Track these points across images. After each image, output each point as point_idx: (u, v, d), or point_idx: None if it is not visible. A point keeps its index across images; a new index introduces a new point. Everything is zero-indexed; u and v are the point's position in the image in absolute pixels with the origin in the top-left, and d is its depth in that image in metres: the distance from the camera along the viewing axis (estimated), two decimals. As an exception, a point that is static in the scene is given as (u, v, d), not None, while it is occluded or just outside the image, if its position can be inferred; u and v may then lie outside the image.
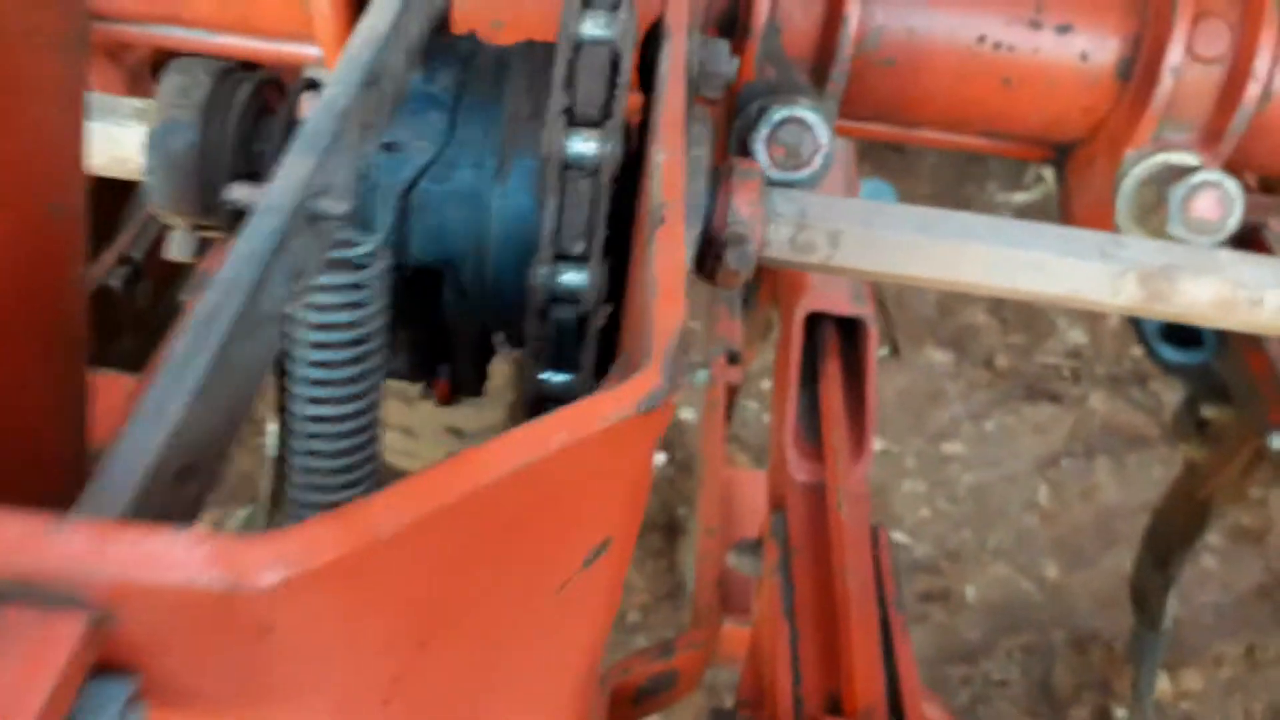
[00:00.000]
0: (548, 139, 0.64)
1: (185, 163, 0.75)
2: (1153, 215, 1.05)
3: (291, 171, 0.44)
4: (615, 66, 0.65)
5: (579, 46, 0.65)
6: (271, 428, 2.47)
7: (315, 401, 0.53)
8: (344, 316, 0.52)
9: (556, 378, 0.69)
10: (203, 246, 0.82)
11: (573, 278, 0.65)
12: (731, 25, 1.10)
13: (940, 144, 1.25)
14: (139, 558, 0.26)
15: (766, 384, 3.26)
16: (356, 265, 0.53)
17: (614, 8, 0.66)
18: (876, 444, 3.19)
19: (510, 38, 1.12)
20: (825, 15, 1.05)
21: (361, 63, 0.51)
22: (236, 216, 0.78)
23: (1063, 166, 1.23)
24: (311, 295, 0.50)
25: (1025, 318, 3.58)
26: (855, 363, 1.49)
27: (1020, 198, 3.90)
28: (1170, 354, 3.16)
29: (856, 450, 1.38)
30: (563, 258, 0.65)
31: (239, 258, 0.40)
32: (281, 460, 2.52)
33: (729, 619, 1.53)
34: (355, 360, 0.53)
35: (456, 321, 0.77)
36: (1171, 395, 3.41)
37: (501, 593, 0.37)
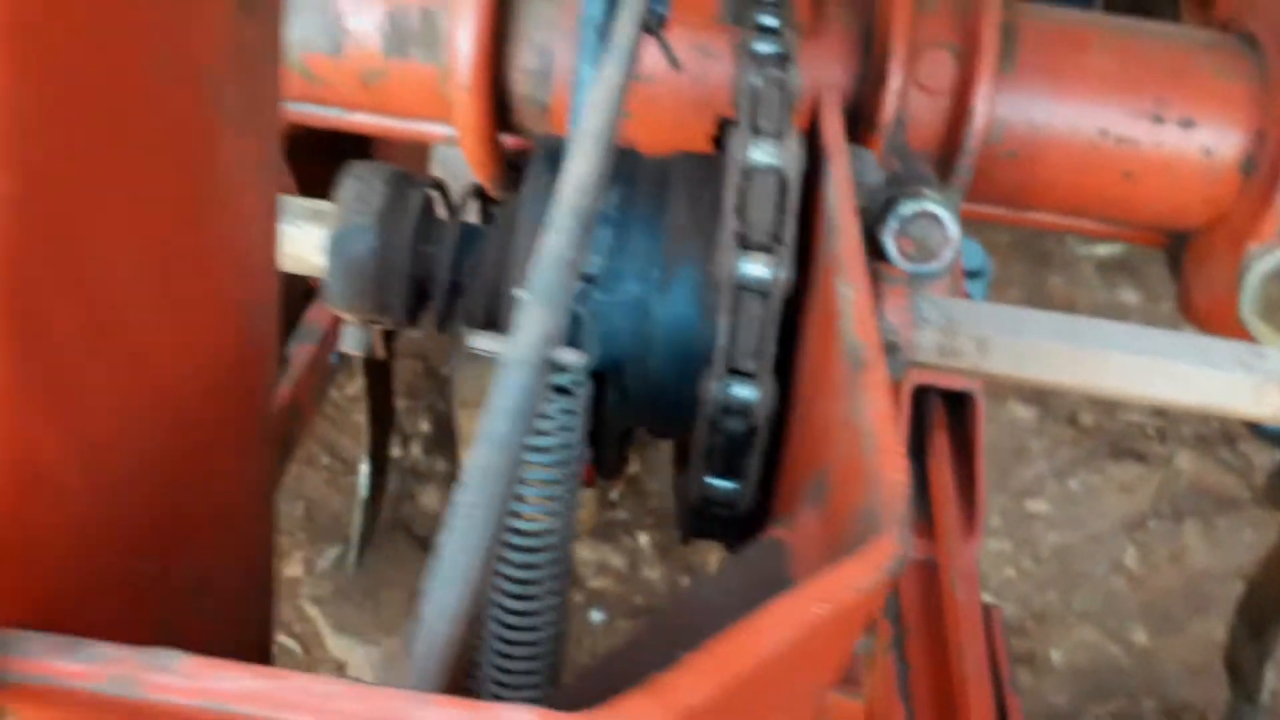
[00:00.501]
0: (721, 262, 0.68)
1: (364, 265, 0.79)
2: (1278, 312, 1.06)
3: (532, 323, 0.48)
4: (784, 192, 0.69)
5: (749, 173, 0.69)
6: (364, 468, 2.53)
7: (521, 532, 0.56)
8: (559, 440, 0.55)
9: (722, 484, 0.71)
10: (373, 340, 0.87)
11: (744, 392, 0.67)
12: (855, 118, 1.13)
13: (1054, 227, 1.27)
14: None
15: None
16: (566, 390, 0.56)
17: (781, 135, 0.70)
18: (958, 501, 3.17)
19: (638, 129, 1.17)
20: (951, 110, 1.08)
21: (578, 210, 0.54)
22: (409, 316, 0.83)
23: (1178, 254, 1.24)
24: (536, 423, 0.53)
25: (1109, 374, 3.53)
26: (963, 437, 1.49)
27: (1102, 251, 3.87)
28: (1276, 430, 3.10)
29: (968, 528, 1.39)
30: (735, 372, 0.68)
31: (502, 414, 0.44)
32: (372, 501, 2.58)
33: (835, 689, 1.54)
34: (566, 475, 0.57)
35: (614, 418, 0.80)
36: (1262, 457, 3.33)
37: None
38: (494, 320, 0.81)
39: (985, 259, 2.59)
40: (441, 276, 0.79)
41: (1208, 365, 0.82)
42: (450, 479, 2.95)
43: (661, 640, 0.44)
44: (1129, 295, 3.74)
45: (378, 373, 2.39)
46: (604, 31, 0.75)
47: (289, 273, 0.86)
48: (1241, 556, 3.13)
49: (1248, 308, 1.09)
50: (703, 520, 0.74)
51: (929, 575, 1.41)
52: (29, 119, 0.43)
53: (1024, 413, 3.44)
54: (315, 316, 2.00)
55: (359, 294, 0.79)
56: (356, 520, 2.62)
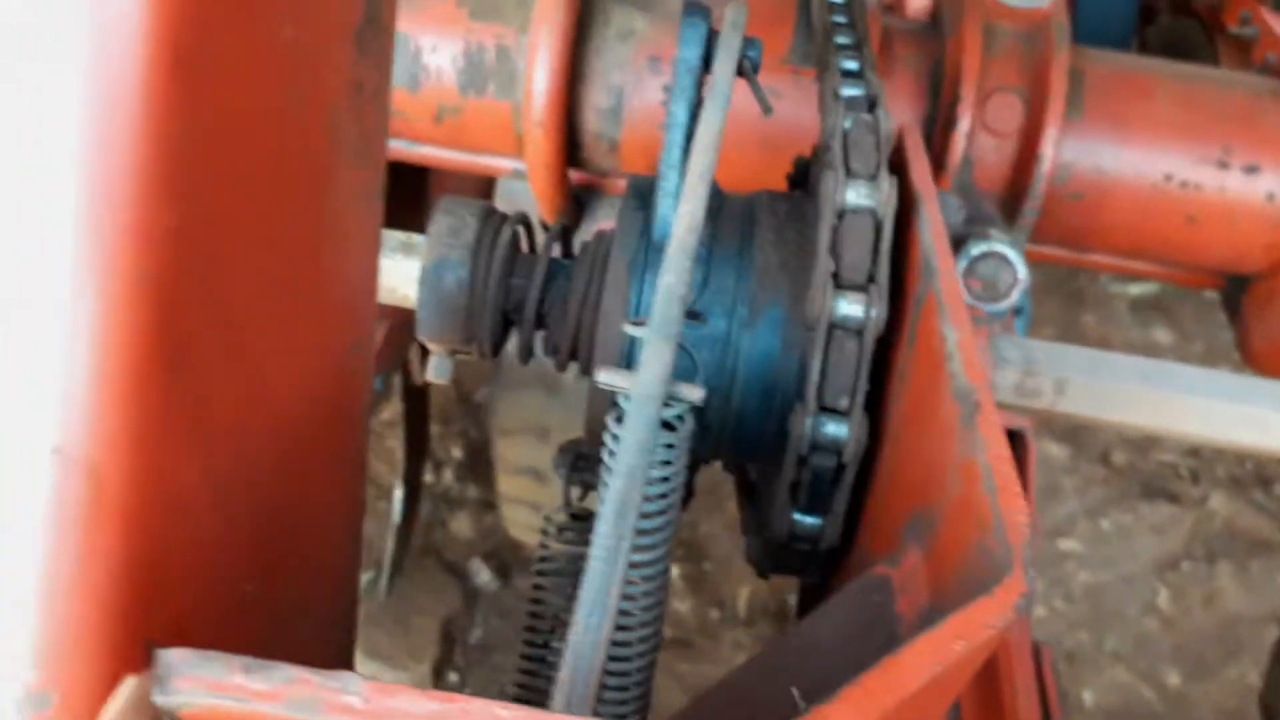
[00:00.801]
0: (815, 300, 0.69)
1: (455, 297, 0.81)
2: (1345, 356, 1.06)
3: (655, 360, 0.49)
4: (878, 233, 0.70)
5: (843, 214, 0.70)
6: (398, 494, 2.55)
7: (635, 549, 0.57)
8: (662, 473, 0.56)
9: (808, 519, 0.72)
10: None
11: (835, 430, 0.68)
12: (923, 158, 1.14)
13: (1112, 269, 1.28)
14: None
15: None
16: (670, 426, 0.58)
17: (874, 177, 0.71)
18: (990, 538, 3.15)
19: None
20: (1018, 153, 1.09)
21: (689, 248, 0.56)
22: (494, 347, 0.84)
23: (1236, 297, 1.25)
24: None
25: (1142, 414, 3.51)
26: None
27: (1135, 290, 3.86)
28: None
29: (1019, 567, 1.38)
30: (826, 410, 0.69)
31: (633, 447, 0.45)
32: (405, 526, 2.58)
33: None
34: (669, 509, 0.58)
35: (696, 451, 0.81)
36: (1297, 499, 3.31)
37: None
38: (576, 353, 0.83)
39: (1024, 298, 2.59)
40: (529, 310, 0.81)
41: (1283, 411, 0.83)
42: (482, 506, 2.96)
43: (775, 672, 0.45)
44: (1161, 334, 3.74)
45: (415, 399, 2.41)
46: (698, 75, 0.76)
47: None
48: (1275, 600, 3.10)
49: (1311, 353, 1.10)
50: (784, 555, 0.75)
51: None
52: (188, 156, 0.45)
53: (1056, 451, 3.43)
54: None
55: (449, 325, 0.81)
56: (389, 546, 2.63)
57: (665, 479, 0.57)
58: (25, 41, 0.44)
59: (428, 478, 2.97)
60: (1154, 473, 3.40)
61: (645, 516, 0.55)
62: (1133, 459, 3.42)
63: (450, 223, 0.82)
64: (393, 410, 2.86)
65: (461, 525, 2.92)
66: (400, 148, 1.29)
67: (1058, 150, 1.09)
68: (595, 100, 1.16)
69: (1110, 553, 3.19)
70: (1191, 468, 3.44)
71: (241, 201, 0.51)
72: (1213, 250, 1.17)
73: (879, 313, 0.68)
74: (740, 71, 0.77)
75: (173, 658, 0.32)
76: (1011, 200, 1.10)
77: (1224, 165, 1.12)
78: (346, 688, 0.32)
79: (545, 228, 1.35)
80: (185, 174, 0.45)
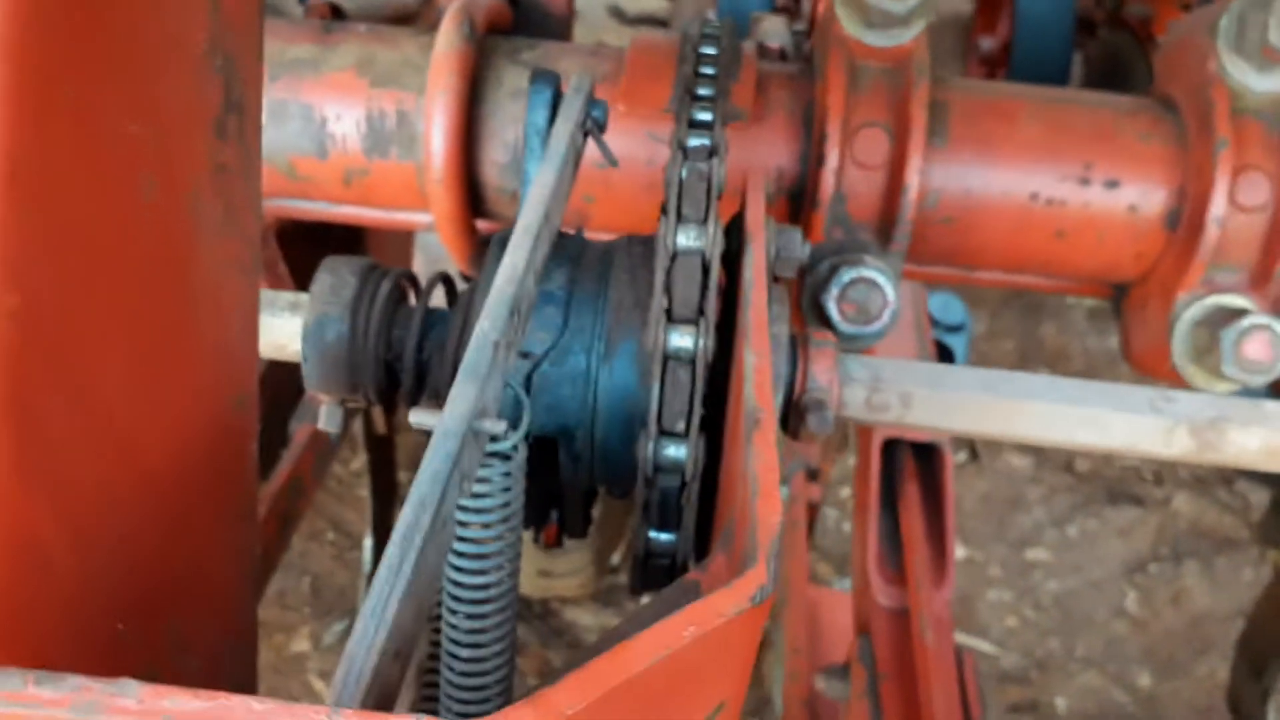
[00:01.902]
0: (651, 335, 0.75)
1: (336, 351, 0.88)
2: (1208, 356, 1.13)
3: (459, 398, 0.56)
4: (706, 272, 0.77)
5: (675, 256, 0.77)
6: (367, 543, 2.59)
7: (470, 572, 0.63)
8: (497, 500, 0.63)
9: (663, 536, 0.78)
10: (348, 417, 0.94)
11: (674, 451, 0.75)
12: (800, 194, 1.21)
13: (1000, 284, 1.34)
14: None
15: (845, 491, 3.31)
16: (505, 456, 0.64)
17: (702, 222, 0.78)
18: (959, 551, 3.21)
19: (601, 210, 1.25)
20: (886, 184, 1.16)
21: (507, 298, 0.62)
22: (381, 396, 0.91)
23: (1119, 305, 1.32)
24: (472, 488, 0.61)
25: (1103, 420, 3.57)
26: (933, 486, 1.56)
27: (1091, 301, 3.94)
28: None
29: (938, 575, 1.45)
30: (666, 434, 0.75)
31: (428, 476, 0.51)
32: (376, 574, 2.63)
33: None
34: (507, 532, 0.64)
35: (570, 480, 0.87)
36: (1259, 495, 3.37)
37: (643, 754, 0.46)
38: (458, 395, 0.89)
39: (965, 314, 2.67)
40: (408, 358, 0.87)
41: (1121, 410, 0.89)
42: (455, 548, 3.01)
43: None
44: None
45: (380, 448, 2.46)
46: (545, 136, 0.83)
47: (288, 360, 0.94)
48: (1243, 596, 3.15)
49: (1179, 353, 1.16)
50: (649, 572, 0.81)
51: (902, 622, 1.47)
52: (28, 244, 0.52)
53: (1020, 462, 3.49)
54: (314, 397, 2.08)
55: (333, 377, 0.87)
56: (362, 595, 2.67)
57: (495, 503, 0.63)
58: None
59: (400, 524, 3.02)
60: (1118, 477, 3.46)
61: (465, 540, 0.61)
62: (1096, 465, 3.48)
63: (331, 281, 0.89)
64: (361, 460, 2.91)
65: (436, 569, 2.97)
66: (319, 209, 1.36)
67: (924, 178, 1.16)
68: (493, 156, 1.23)
69: (1078, 559, 3.25)
70: (1155, 470, 3.50)
71: (91, 282, 0.57)
72: (1086, 262, 1.24)
73: (706, 343, 0.74)
74: (586, 132, 0.84)
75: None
76: (884, 228, 1.17)
77: (1085, 181, 1.19)
78: (124, 691, 0.38)
79: (465, 278, 1.42)
80: (24, 265, 0.51)
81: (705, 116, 0.95)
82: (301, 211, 1.37)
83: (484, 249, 1.34)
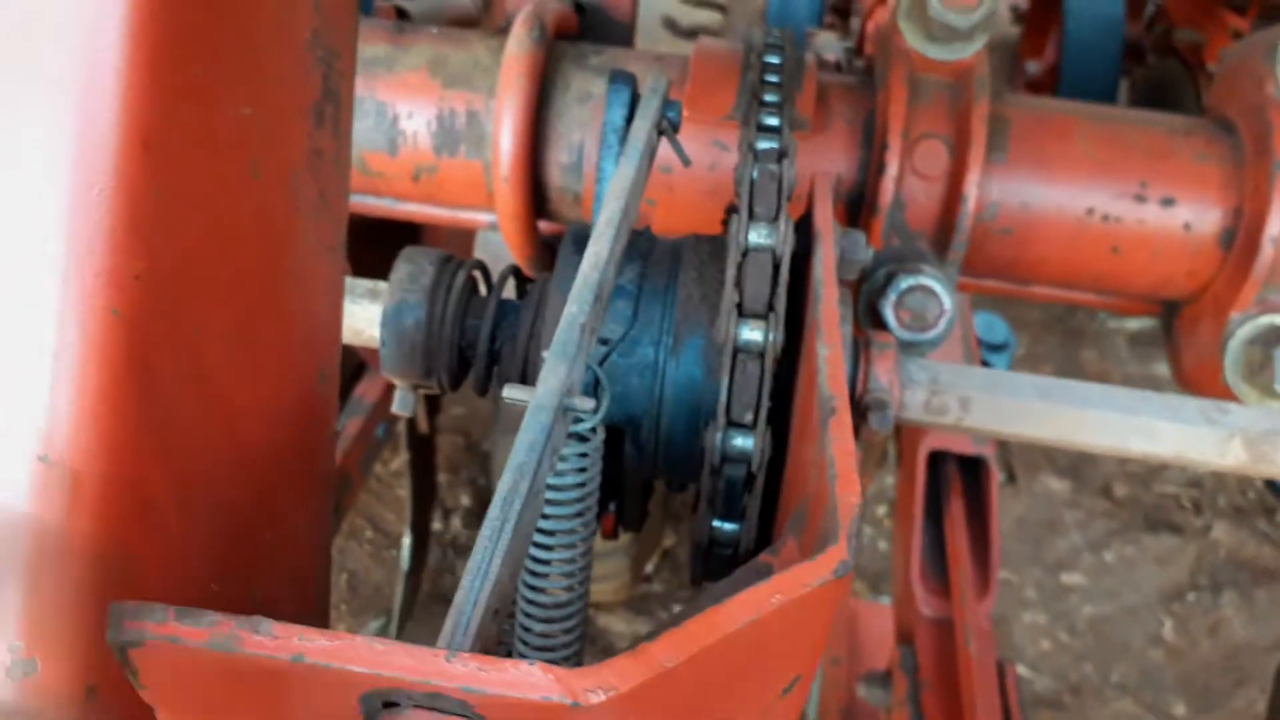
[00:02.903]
0: (722, 328, 0.78)
1: (414, 336, 0.91)
2: (1260, 374, 1.13)
3: (552, 375, 0.58)
4: (776, 268, 0.79)
5: (746, 253, 0.79)
6: (406, 542, 2.62)
7: (546, 548, 0.65)
8: (575, 479, 0.65)
9: (726, 526, 0.80)
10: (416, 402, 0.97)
11: (742, 442, 0.77)
12: (859, 201, 1.24)
13: (1052, 299, 1.36)
14: (511, 681, 0.39)
15: (881, 509, 3.31)
16: (583, 437, 0.66)
17: (773, 220, 0.80)
18: (992, 573, 3.19)
19: (662, 213, 1.28)
20: (946, 194, 1.18)
21: (593, 283, 0.65)
22: (454, 382, 0.94)
23: (1170, 322, 1.32)
24: (558, 464, 0.63)
25: (1143, 447, 3.55)
26: (978, 500, 1.57)
27: (1133, 325, 3.93)
28: (1294, 490, 3.10)
29: (982, 588, 1.46)
30: (734, 425, 0.77)
31: (525, 446, 0.54)
32: (413, 574, 2.65)
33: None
34: (582, 511, 0.67)
35: (633, 470, 0.90)
36: (1300, 527, 3.33)
37: (728, 713, 0.48)
38: (526, 382, 0.92)
39: (1010, 334, 2.67)
40: (481, 346, 0.90)
41: (1175, 420, 0.90)
42: (492, 550, 3.04)
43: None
44: (1162, 368, 3.79)
45: (421, 447, 2.49)
46: (623, 135, 0.86)
47: (342, 348, 0.97)
48: (1281, 627, 3.11)
49: (1231, 371, 1.17)
50: (710, 562, 0.83)
51: (945, 633, 1.48)
52: (155, 212, 0.55)
53: (1057, 485, 3.48)
54: (363, 391, 2.12)
55: (408, 362, 0.90)
56: (398, 593, 2.69)
57: (573, 481, 0.66)
58: (22, 120, 0.54)
59: (436, 525, 3.06)
60: (1156, 504, 3.43)
61: (551, 504, 0.64)
62: (1134, 491, 3.45)
63: (410, 269, 0.92)
64: (400, 460, 2.95)
65: (471, 571, 3.00)
66: (385, 205, 1.39)
67: (982, 190, 1.18)
68: (558, 158, 1.26)
69: (1114, 585, 3.22)
70: (1194, 498, 3.48)
71: (205, 253, 0.61)
72: (1140, 279, 1.25)
73: (776, 337, 0.76)
74: (660, 131, 0.87)
75: (123, 607, 0.41)
76: (941, 238, 1.19)
77: (1142, 199, 1.21)
78: (259, 628, 0.41)
79: (520, 275, 1.45)
80: (152, 231, 0.55)
81: (773, 121, 0.97)
82: (369, 208, 1.41)
83: (545, 250, 1.38)
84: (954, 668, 1.41)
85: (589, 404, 0.58)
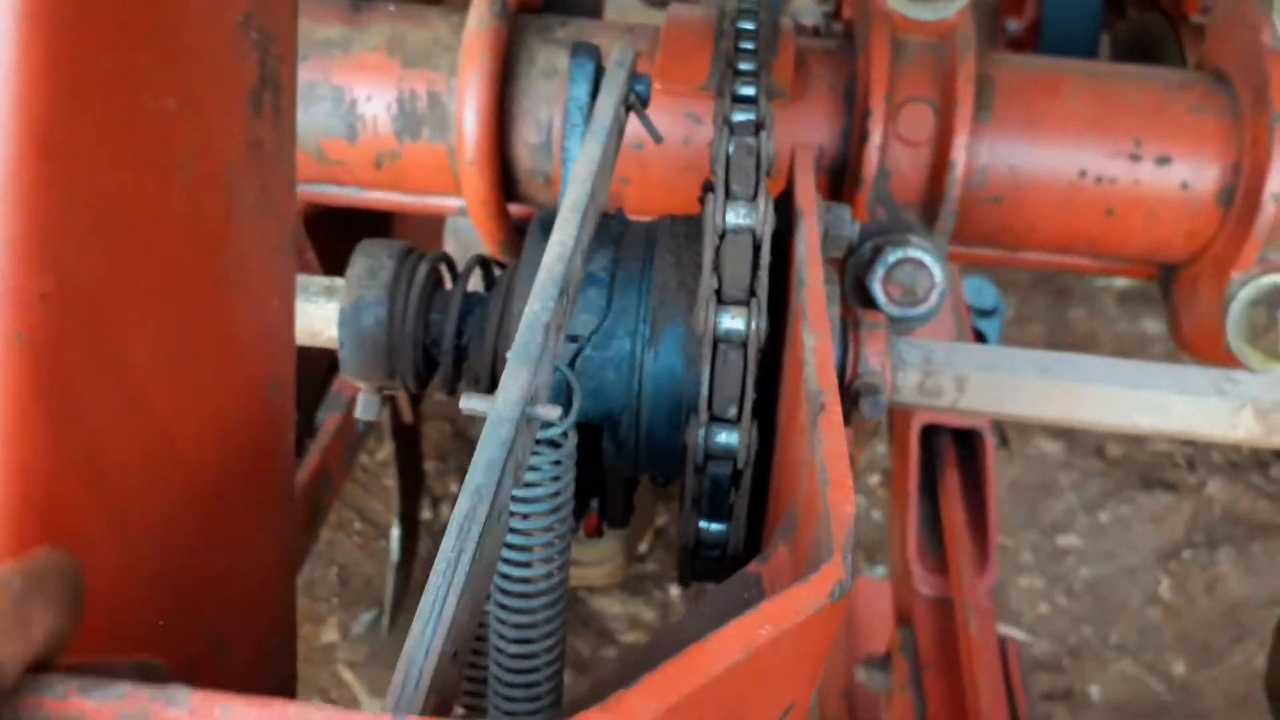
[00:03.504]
0: (701, 317, 0.72)
1: (374, 336, 0.85)
2: (1265, 336, 1.09)
3: (512, 382, 0.53)
4: (757, 250, 0.74)
5: (724, 235, 0.74)
6: (395, 532, 2.58)
7: (518, 565, 0.61)
8: (549, 490, 0.60)
9: (713, 526, 0.76)
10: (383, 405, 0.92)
11: (727, 438, 0.72)
12: (842, 172, 1.18)
13: (1046, 265, 1.31)
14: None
15: (874, 479, 3.27)
16: (554, 443, 0.61)
17: (752, 199, 0.75)
18: (988, 538, 3.17)
19: (635, 192, 1.23)
20: (932, 161, 1.13)
21: (556, 277, 0.60)
22: (419, 382, 0.88)
23: (1168, 285, 1.28)
24: (524, 477, 0.58)
25: (1135, 405, 3.53)
26: (974, 473, 1.52)
27: (1121, 283, 3.88)
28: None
29: (980, 563, 1.42)
30: (717, 420, 0.72)
31: (482, 465, 0.49)
32: (403, 565, 2.61)
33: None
34: (557, 523, 0.62)
35: (614, 467, 0.85)
36: (1295, 480, 3.31)
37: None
38: (496, 379, 0.86)
39: (999, 298, 2.62)
40: (447, 343, 0.85)
41: (1184, 392, 0.85)
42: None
43: (644, 669, 0.48)
44: (1151, 325, 3.75)
45: (406, 437, 2.44)
46: (588, 111, 0.81)
47: (317, 347, 0.92)
48: (1278, 582, 3.10)
49: (1233, 334, 1.13)
50: (698, 563, 0.78)
51: (944, 612, 1.44)
52: (62, 225, 0.49)
53: (1050, 447, 3.45)
54: (341, 386, 2.06)
55: (370, 363, 0.85)
56: (389, 584, 2.66)
57: (545, 492, 0.61)
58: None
59: (425, 514, 3.01)
60: (1150, 463, 3.41)
61: (517, 532, 0.59)
62: (1128, 450, 3.42)
63: (367, 264, 0.86)
64: (388, 450, 2.90)
65: (462, 558, 2.96)
66: (347, 194, 1.33)
67: (971, 155, 1.12)
68: (526, 137, 1.20)
69: (1110, 546, 3.20)
70: (1188, 455, 3.45)
71: (126, 264, 0.55)
72: (1136, 241, 1.21)
73: (759, 325, 0.71)
74: (628, 106, 0.81)
75: (21, 682, 0.36)
76: (929, 207, 1.14)
77: (1136, 158, 1.16)
78: (174, 700, 0.35)
79: (498, 264, 1.40)
80: (58, 245, 0.49)
81: (749, 91, 0.92)
82: (331, 197, 1.35)
83: (516, 233, 1.32)
84: (955, 648, 1.37)
85: (554, 412, 0.53)
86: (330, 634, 2.86)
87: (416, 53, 1.19)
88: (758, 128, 0.83)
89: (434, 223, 1.91)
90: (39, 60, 0.48)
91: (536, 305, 0.58)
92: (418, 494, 2.64)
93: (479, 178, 1.17)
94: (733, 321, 0.72)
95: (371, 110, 1.20)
